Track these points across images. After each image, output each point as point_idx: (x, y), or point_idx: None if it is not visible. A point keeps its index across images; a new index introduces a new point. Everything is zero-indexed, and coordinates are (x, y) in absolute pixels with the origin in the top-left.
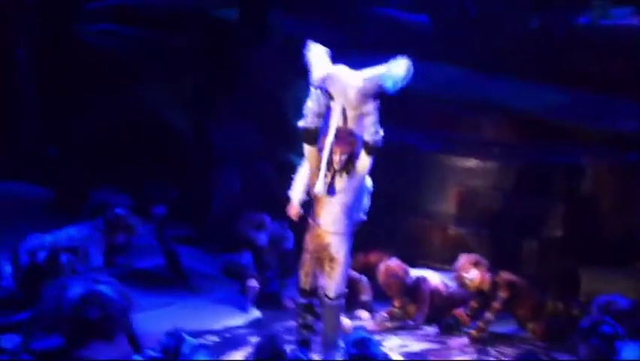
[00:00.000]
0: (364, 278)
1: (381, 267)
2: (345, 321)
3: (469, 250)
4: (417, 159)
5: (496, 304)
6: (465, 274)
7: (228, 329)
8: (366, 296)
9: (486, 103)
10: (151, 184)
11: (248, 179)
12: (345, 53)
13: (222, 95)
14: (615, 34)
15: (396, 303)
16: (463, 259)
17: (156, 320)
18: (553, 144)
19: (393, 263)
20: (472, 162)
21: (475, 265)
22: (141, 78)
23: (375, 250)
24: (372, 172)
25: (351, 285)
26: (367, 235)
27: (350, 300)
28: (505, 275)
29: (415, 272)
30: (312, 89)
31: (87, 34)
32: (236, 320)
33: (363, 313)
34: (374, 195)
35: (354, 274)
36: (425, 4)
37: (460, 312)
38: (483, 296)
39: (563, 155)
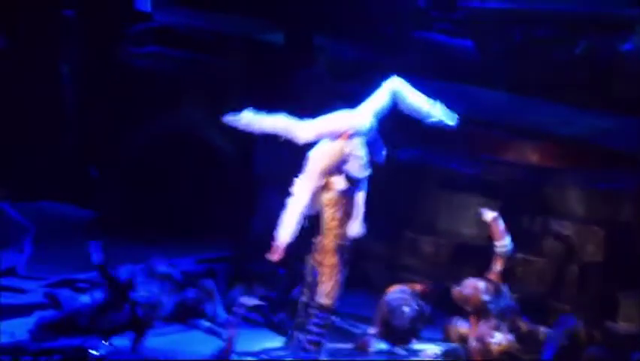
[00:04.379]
0: None
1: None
2: None
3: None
4: (458, 182)
5: None
6: (490, 340)
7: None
8: None
9: (531, 128)
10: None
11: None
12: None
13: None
14: None
15: None
16: (484, 327)
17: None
18: (594, 170)
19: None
20: (512, 186)
21: (496, 328)
22: (185, 100)
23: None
24: (409, 197)
25: None
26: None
27: None
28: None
29: None
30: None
31: (132, 57)
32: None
33: None
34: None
35: None
36: (469, 30)
37: None
38: None
39: (604, 180)
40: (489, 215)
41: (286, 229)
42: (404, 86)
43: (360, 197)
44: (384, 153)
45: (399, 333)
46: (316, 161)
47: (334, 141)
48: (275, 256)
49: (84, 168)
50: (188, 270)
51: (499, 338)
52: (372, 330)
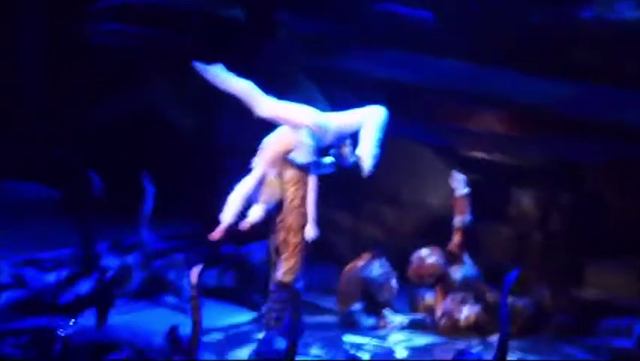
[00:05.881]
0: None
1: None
2: None
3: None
4: (418, 152)
5: None
6: (459, 316)
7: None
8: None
9: (492, 97)
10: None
11: None
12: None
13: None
14: (619, 27)
15: None
16: (450, 302)
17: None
18: (558, 138)
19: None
20: (476, 156)
21: (462, 302)
22: (147, 77)
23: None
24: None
25: None
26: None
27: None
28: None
29: None
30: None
31: (94, 34)
32: (242, 316)
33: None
34: (375, 190)
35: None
36: (428, 1)
37: None
38: None
39: (568, 149)
40: (460, 185)
41: (229, 210)
42: (375, 121)
43: (312, 194)
44: (352, 160)
45: (382, 307)
46: (268, 147)
47: (286, 130)
48: (216, 235)
49: (47, 147)
50: (156, 246)
51: (467, 312)
52: (356, 306)
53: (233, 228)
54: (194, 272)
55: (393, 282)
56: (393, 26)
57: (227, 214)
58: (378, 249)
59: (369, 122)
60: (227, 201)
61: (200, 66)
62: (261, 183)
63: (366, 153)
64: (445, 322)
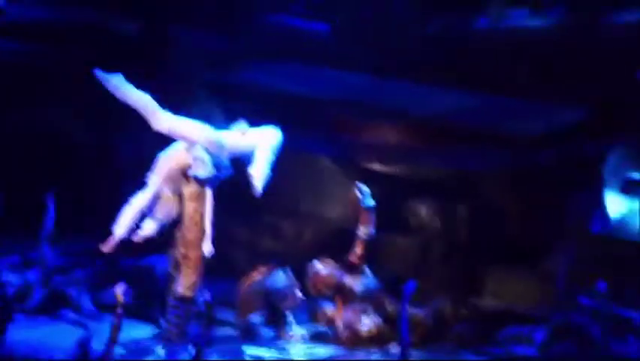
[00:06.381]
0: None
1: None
2: None
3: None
4: (316, 165)
5: None
6: (360, 328)
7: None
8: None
9: (389, 109)
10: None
11: None
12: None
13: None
14: (513, 35)
15: None
16: (351, 313)
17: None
18: (454, 148)
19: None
20: (374, 167)
21: (363, 312)
22: (39, 93)
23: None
24: (273, 178)
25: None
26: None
27: None
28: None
29: None
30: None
31: None
32: (141, 331)
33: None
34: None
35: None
36: (324, 10)
37: None
38: None
39: (464, 159)
40: (365, 197)
41: (122, 223)
42: (269, 143)
43: (208, 211)
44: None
45: (284, 317)
46: (163, 163)
47: (182, 146)
48: (106, 248)
49: None
50: (56, 263)
51: (367, 323)
52: (255, 317)
53: (126, 241)
54: (119, 290)
55: (298, 292)
56: (289, 39)
57: (120, 227)
58: (275, 261)
59: (263, 143)
60: (121, 215)
61: (101, 75)
62: (156, 198)
63: (259, 174)
64: (346, 333)
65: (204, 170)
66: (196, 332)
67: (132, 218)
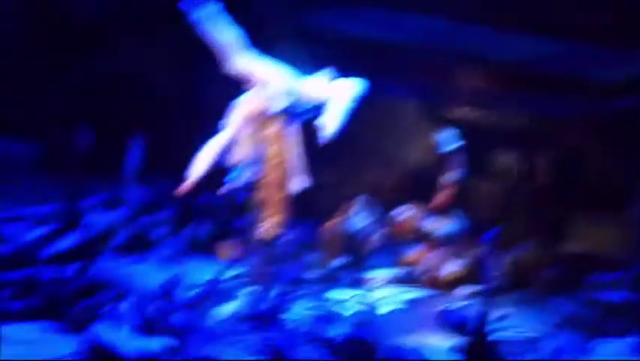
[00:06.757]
0: None
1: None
2: None
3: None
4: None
5: None
6: (442, 272)
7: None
8: None
9: (473, 54)
10: None
11: None
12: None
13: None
14: None
15: None
16: (434, 257)
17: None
18: (536, 95)
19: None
20: (456, 113)
21: (446, 257)
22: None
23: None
24: (355, 126)
25: None
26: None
27: None
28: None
29: None
30: None
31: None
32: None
33: None
34: (358, 148)
35: None
36: None
37: None
38: None
39: (546, 106)
40: (451, 140)
41: (198, 166)
42: (347, 94)
43: (296, 144)
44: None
45: (364, 261)
46: (242, 106)
47: (261, 90)
48: (182, 190)
49: (28, 102)
50: (142, 202)
51: (450, 268)
52: (338, 261)
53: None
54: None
55: (377, 235)
56: None
57: (195, 171)
58: (359, 202)
59: (340, 93)
60: (197, 159)
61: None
62: (233, 142)
63: (331, 121)
64: (428, 277)
65: (282, 106)
66: (280, 273)
67: (208, 162)
